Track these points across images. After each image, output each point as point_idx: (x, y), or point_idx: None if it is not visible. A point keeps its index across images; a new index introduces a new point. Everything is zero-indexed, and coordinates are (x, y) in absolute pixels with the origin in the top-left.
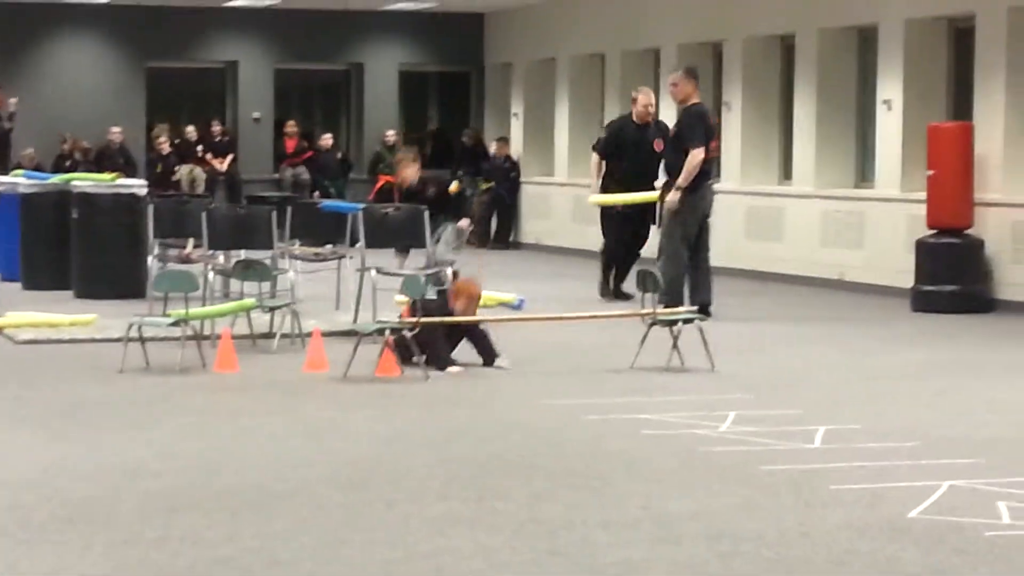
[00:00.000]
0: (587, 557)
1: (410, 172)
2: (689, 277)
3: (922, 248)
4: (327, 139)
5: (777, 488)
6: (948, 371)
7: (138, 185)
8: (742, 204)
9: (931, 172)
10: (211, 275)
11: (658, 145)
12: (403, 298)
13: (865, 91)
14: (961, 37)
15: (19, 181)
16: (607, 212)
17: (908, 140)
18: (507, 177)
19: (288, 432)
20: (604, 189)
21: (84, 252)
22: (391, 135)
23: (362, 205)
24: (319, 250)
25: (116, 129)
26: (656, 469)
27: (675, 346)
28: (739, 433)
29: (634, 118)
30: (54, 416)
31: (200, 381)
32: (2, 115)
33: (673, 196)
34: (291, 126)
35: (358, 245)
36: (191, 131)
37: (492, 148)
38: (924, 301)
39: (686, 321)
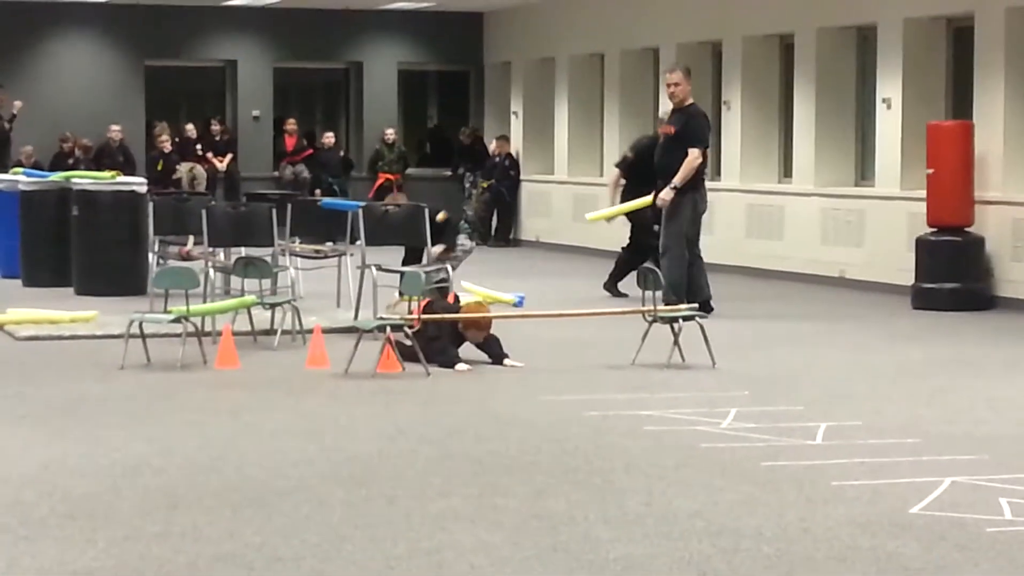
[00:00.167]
0: (589, 553)
1: (436, 249)
2: (687, 275)
3: (922, 246)
4: (329, 137)
5: (778, 484)
6: (949, 368)
7: (138, 183)
8: (742, 203)
9: (931, 170)
10: (211, 272)
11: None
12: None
13: (864, 90)
14: (960, 36)
15: (19, 179)
16: (641, 222)
17: (908, 138)
18: (507, 175)
19: (289, 429)
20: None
21: (85, 249)
22: (390, 133)
23: (362, 203)
24: (319, 247)
25: (116, 127)
26: (657, 465)
27: (676, 343)
28: (740, 429)
29: (662, 139)
30: (55, 413)
31: (201, 378)
32: (3, 115)
33: (667, 194)
34: (291, 124)
35: (358, 242)
36: (191, 129)
37: (492, 146)
38: (924, 299)
39: (687, 318)
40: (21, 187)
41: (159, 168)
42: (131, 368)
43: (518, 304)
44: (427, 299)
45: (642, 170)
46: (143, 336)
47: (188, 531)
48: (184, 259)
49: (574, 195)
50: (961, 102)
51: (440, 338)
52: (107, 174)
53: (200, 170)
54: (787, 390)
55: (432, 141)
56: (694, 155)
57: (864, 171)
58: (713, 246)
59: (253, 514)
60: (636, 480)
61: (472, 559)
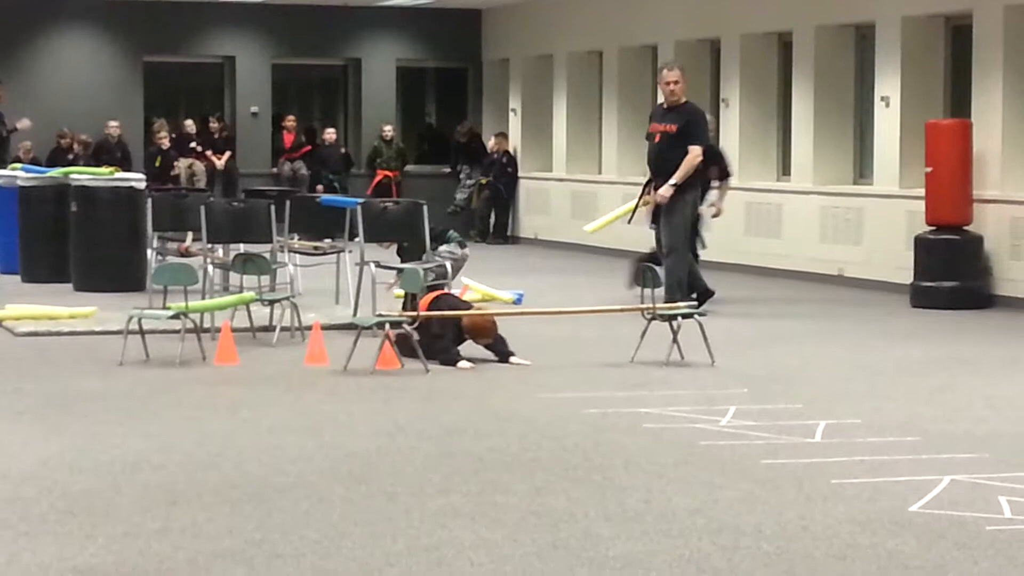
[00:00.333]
0: (588, 550)
1: None
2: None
3: (921, 244)
4: (330, 133)
5: (778, 482)
6: (947, 366)
7: (136, 179)
8: (741, 200)
9: (929, 169)
10: (210, 268)
11: (712, 173)
12: (401, 291)
13: (863, 88)
14: (958, 34)
15: (18, 174)
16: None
17: (906, 137)
18: (505, 172)
19: (288, 425)
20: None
21: (83, 245)
22: (388, 130)
23: (360, 199)
24: (318, 244)
25: (114, 123)
26: (657, 463)
27: (675, 340)
28: (739, 427)
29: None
30: (54, 409)
31: (200, 374)
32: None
33: (667, 191)
34: (290, 121)
35: (357, 239)
36: (189, 125)
37: (490, 143)
38: (923, 297)
39: (686, 316)
40: (20, 183)
41: (157, 164)
42: (130, 364)
43: (517, 302)
44: (436, 294)
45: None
46: (142, 332)
47: (187, 527)
48: (183, 255)
49: (572, 192)
50: (959, 100)
51: (443, 336)
52: (106, 170)
53: (199, 166)
54: (786, 388)
55: (429, 139)
56: (696, 152)
57: (863, 169)
58: (711, 244)
59: (252, 510)
60: (635, 477)
61: (472, 556)
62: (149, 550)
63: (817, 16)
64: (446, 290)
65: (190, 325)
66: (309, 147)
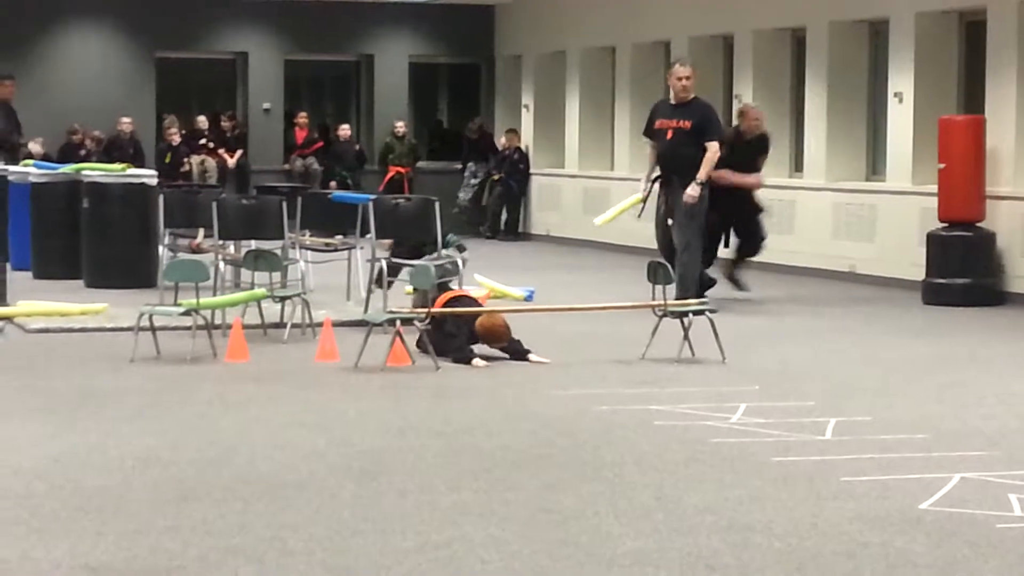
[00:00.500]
0: (599, 547)
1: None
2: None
3: (933, 241)
4: (345, 129)
5: (788, 480)
6: (959, 364)
7: (148, 175)
8: None
9: (942, 165)
10: (222, 265)
11: (761, 161)
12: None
13: (876, 84)
14: (972, 30)
15: (30, 171)
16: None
17: (919, 133)
18: (516, 169)
19: (299, 422)
20: (711, 199)
21: (95, 242)
22: (400, 126)
23: (372, 196)
24: (330, 240)
25: (126, 119)
26: (667, 460)
27: (686, 337)
28: (750, 424)
29: (743, 134)
30: (65, 405)
31: (211, 371)
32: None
33: (695, 190)
34: (302, 118)
35: (368, 236)
36: (202, 121)
37: (501, 140)
38: (935, 294)
39: (697, 313)
40: (32, 179)
41: (167, 160)
42: (141, 361)
43: (528, 298)
44: (454, 295)
45: (733, 160)
46: (153, 329)
47: (198, 524)
48: (194, 252)
49: (584, 189)
50: (973, 96)
51: (457, 336)
52: (118, 166)
53: (211, 163)
54: (797, 385)
55: (441, 136)
56: (716, 148)
57: (875, 166)
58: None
59: (263, 507)
60: (646, 475)
61: (482, 553)
62: (160, 547)
63: (830, 12)
64: (464, 291)
65: (201, 322)
66: (321, 143)
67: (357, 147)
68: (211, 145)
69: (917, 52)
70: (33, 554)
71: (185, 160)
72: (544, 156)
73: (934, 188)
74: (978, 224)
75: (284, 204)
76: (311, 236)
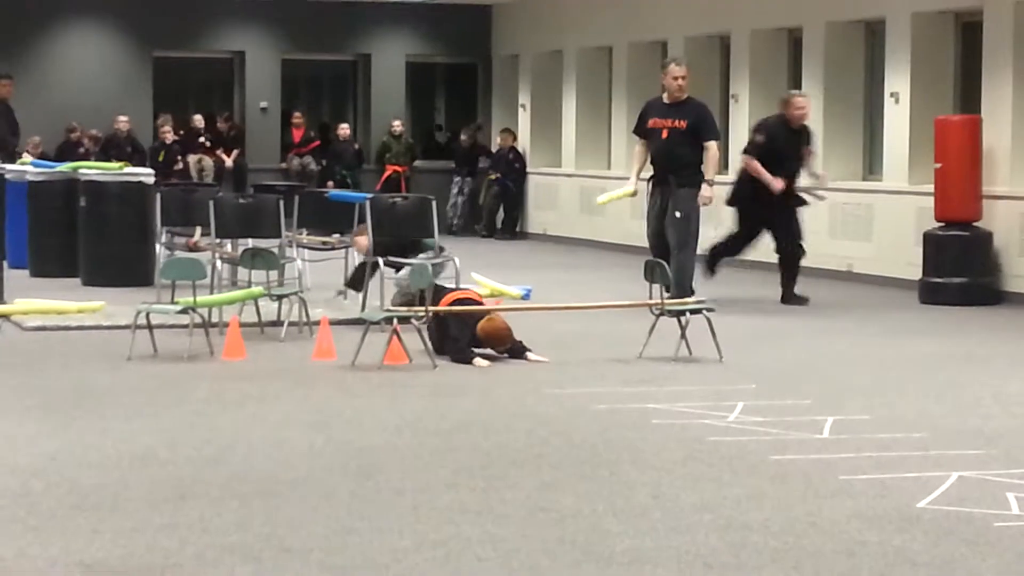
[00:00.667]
0: (596, 546)
1: (363, 240)
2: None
3: (930, 240)
4: (344, 129)
5: (786, 478)
6: (956, 363)
7: (145, 174)
8: None
9: (939, 165)
10: (219, 263)
11: (806, 152)
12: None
13: (872, 84)
14: (968, 30)
15: (27, 169)
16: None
17: (916, 133)
18: (512, 168)
19: (296, 420)
20: (754, 191)
21: (92, 240)
22: (397, 125)
23: (369, 194)
24: (327, 239)
25: (123, 118)
26: (665, 459)
27: (683, 336)
28: (748, 423)
29: (789, 122)
30: (62, 403)
31: (208, 369)
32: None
33: (709, 191)
34: (297, 118)
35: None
36: (198, 120)
37: (497, 140)
38: (932, 293)
39: (694, 312)
40: (29, 178)
41: (160, 159)
42: (138, 359)
43: (525, 297)
44: (460, 296)
45: (771, 151)
46: (150, 327)
47: (195, 522)
48: (191, 250)
49: (581, 188)
50: (969, 96)
51: (460, 340)
52: (116, 165)
53: (208, 161)
54: (794, 384)
55: (437, 148)
56: (716, 147)
57: (872, 165)
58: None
59: (260, 505)
60: (643, 473)
61: (479, 551)
62: (156, 545)
63: (827, 12)
64: (469, 292)
65: (198, 320)
66: (318, 142)
67: (356, 146)
68: (208, 144)
69: (913, 52)
70: (29, 552)
71: (178, 158)
72: (541, 155)
73: (931, 188)
74: (974, 224)
75: (281, 203)
76: (308, 235)
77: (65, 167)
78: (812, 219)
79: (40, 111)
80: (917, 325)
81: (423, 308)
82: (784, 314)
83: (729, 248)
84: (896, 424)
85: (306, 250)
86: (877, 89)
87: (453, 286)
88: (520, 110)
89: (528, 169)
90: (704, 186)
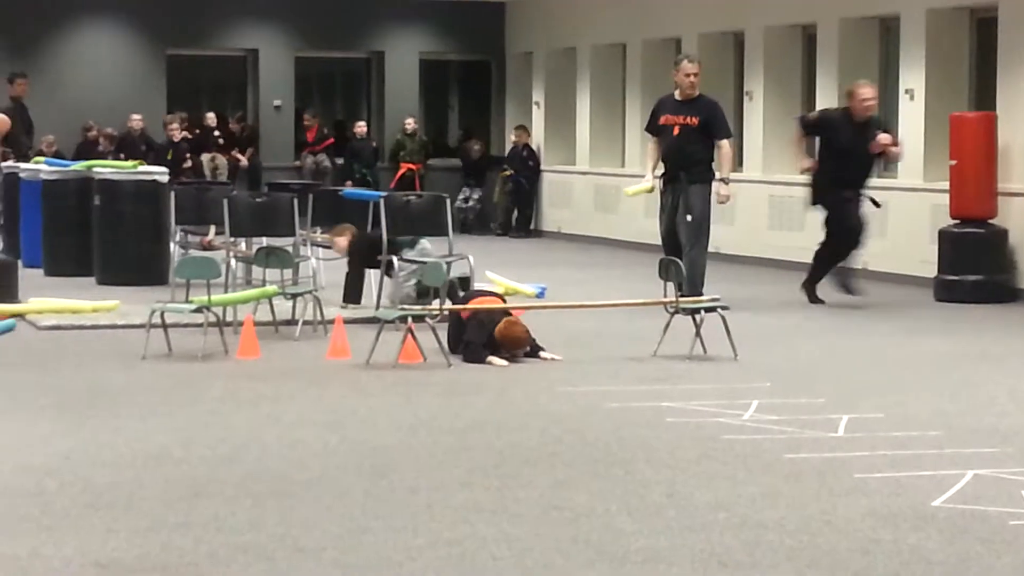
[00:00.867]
0: (611, 545)
1: (342, 241)
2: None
3: (945, 238)
4: (361, 127)
5: (800, 476)
6: (971, 361)
7: (159, 172)
8: (764, 193)
9: (954, 162)
10: (233, 262)
11: (874, 147)
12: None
13: (887, 81)
14: (983, 26)
15: (41, 168)
16: (836, 199)
17: (931, 130)
18: (526, 166)
19: (310, 419)
20: (816, 188)
21: (106, 239)
22: (411, 123)
23: (383, 193)
24: None
25: (137, 116)
26: (679, 457)
27: (698, 334)
28: (762, 421)
29: (854, 115)
30: (77, 402)
31: (222, 368)
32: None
33: (727, 189)
34: (307, 120)
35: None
36: (211, 118)
37: (512, 136)
38: (947, 291)
39: (709, 309)
40: (43, 176)
41: (168, 157)
42: (152, 358)
43: (539, 295)
44: (484, 300)
45: (833, 147)
46: (164, 326)
47: (209, 521)
48: (206, 249)
49: (595, 186)
50: (984, 93)
51: (474, 343)
52: (130, 164)
53: (222, 160)
54: (809, 382)
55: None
56: (729, 145)
57: (887, 162)
58: (735, 237)
59: (274, 504)
60: (658, 472)
61: (494, 550)
62: (171, 544)
63: (841, 8)
64: (491, 294)
65: (212, 319)
66: (332, 140)
67: (374, 144)
68: (221, 141)
69: (928, 49)
70: (43, 551)
71: (187, 156)
72: (555, 153)
73: (946, 185)
74: (990, 221)
75: (295, 201)
76: (322, 233)
77: (79, 166)
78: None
79: (54, 110)
80: (932, 323)
81: (438, 307)
82: (799, 312)
83: (829, 257)
84: (911, 422)
85: (320, 249)
86: (892, 86)
87: (483, 289)
88: (534, 107)
89: (542, 167)
90: (720, 184)
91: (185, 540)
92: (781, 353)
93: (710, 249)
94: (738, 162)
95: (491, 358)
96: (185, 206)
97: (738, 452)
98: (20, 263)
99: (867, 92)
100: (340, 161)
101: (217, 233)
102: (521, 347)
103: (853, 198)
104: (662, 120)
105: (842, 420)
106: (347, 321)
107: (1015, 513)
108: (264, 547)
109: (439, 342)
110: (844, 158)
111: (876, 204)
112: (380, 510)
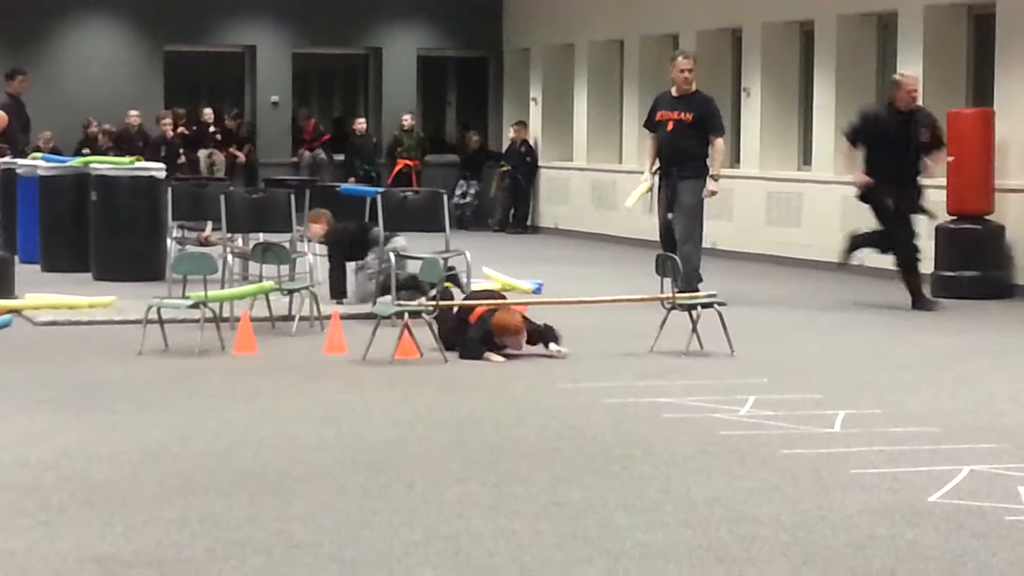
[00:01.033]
0: (607, 540)
1: (318, 228)
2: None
3: (942, 234)
4: (361, 123)
5: (797, 472)
6: (968, 356)
7: (156, 168)
8: (762, 190)
9: (951, 158)
10: (230, 258)
11: (924, 135)
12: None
13: (885, 77)
14: (981, 23)
15: (38, 164)
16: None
17: None
18: (523, 161)
19: (307, 415)
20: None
21: (103, 234)
22: (408, 119)
23: (380, 189)
24: None
25: (134, 112)
26: (676, 453)
27: (695, 330)
28: (759, 417)
29: (897, 105)
30: (73, 398)
31: (219, 363)
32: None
33: (715, 186)
34: (302, 117)
35: (377, 228)
36: (208, 114)
37: (510, 132)
38: (944, 287)
39: (705, 305)
40: (40, 172)
41: (162, 154)
42: (149, 354)
43: (536, 291)
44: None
45: (875, 137)
46: (161, 322)
47: (206, 517)
48: (202, 245)
49: (592, 182)
50: (982, 89)
51: (471, 340)
52: (127, 159)
53: (219, 156)
54: (805, 378)
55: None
56: (722, 142)
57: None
58: (732, 233)
59: (271, 500)
60: (655, 467)
61: (490, 546)
62: (167, 539)
63: (839, 5)
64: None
65: (209, 315)
66: (328, 136)
67: (375, 140)
68: (219, 137)
69: (926, 45)
70: (40, 546)
71: (180, 152)
72: (552, 149)
73: (943, 181)
74: (987, 217)
75: (292, 197)
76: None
77: (76, 162)
78: (823, 213)
79: (52, 106)
80: (929, 319)
81: (432, 304)
82: (796, 308)
83: (872, 241)
84: (907, 418)
85: (317, 244)
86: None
87: (483, 290)
88: (531, 104)
89: (539, 163)
90: (709, 180)
91: (182, 535)
92: (778, 349)
93: (707, 245)
94: (735, 158)
95: (488, 355)
96: (182, 202)
97: (735, 448)
98: (17, 259)
99: (914, 82)
100: (339, 158)
101: (214, 229)
102: (518, 332)
103: (899, 200)
104: (658, 116)
105: (839, 416)
106: (344, 317)
107: (1011, 509)
108: (261, 542)
109: (435, 338)
110: (887, 148)
111: (929, 214)
112: (377, 505)
